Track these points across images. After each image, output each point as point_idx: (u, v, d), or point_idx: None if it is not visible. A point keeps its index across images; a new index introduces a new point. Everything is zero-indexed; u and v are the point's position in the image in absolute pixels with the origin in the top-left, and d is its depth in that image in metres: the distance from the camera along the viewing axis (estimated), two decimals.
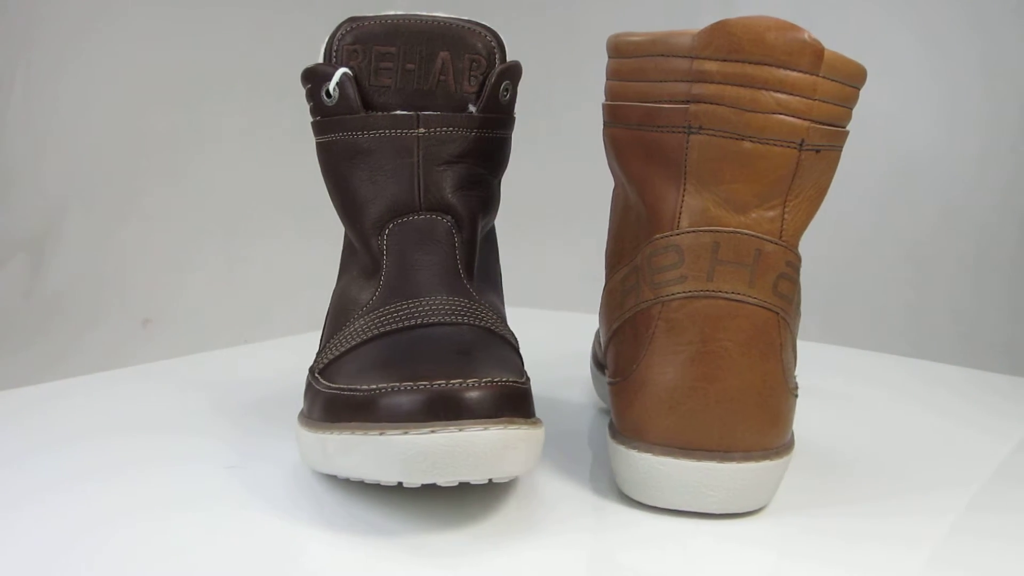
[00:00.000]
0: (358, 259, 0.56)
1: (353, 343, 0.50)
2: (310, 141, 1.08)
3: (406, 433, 0.42)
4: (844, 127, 0.51)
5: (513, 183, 0.64)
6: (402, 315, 0.50)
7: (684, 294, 0.48)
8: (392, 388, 0.43)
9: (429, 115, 0.53)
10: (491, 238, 0.60)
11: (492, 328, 0.51)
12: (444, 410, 0.42)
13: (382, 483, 0.44)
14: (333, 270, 0.59)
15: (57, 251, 1.12)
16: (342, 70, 0.54)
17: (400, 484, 0.44)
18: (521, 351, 0.53)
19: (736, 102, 0.47)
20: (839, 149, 0.51)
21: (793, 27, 0.47)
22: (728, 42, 0.47)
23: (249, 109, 1.11)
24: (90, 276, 1.12)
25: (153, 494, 0.48)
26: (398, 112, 0.53)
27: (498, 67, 0.54)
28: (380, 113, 0.53)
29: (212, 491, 0.49)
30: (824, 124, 0.48)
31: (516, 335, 0.54)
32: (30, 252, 1.12)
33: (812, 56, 0.47)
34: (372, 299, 0.52)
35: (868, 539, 0.47)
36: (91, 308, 1.12)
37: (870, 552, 0.46)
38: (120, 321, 1.09)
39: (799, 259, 0.50)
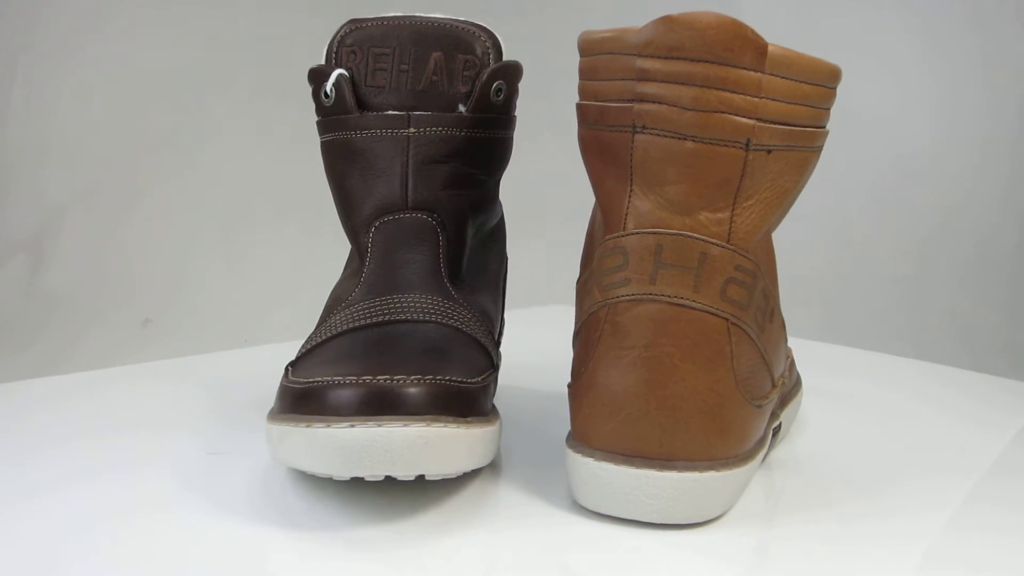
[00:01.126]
0: (352, 256, 0.57)
1: (324, 337, 0.51)
2: (310, 141, 1.08)
3: (328, 426, 0.43)
4: (809, 127, 0.48)
5: (516, 183, 0.64)
6: (373, 311, 0.51)
7: (628, 297, 0.46)
8: (333, 382, 0.44)
9: (420, 115, 0.54)
10: (495, 237, 0.60)
11: (460, 327, 0.51)
12: (369, 405, 0.43)
13: (316, 475, 0.45)
14: (333, 270, 0.59)
15: (57, 251, 1.12)
16: (338, 71, 0.55)
17: (332, 477, 0.44)
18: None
19: (678, 101, 0.45)
20: (804, 150, 0.48)
21: (734, 23, 0.45)
22: (670, 39, 0.45)
23: (249, 109, 1.11)
24: (90, 276, 1.12)
25: (129, 494, 0.49)
26: (389, 112, 0.54)
27: (490, 67, 0.54)
28: (373, 113, 0.54)
29: (190, 490, 0.49)
30: (776, 123, 0.46)
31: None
32: (30, 252, 1.12)
33: (754, 53, 0.45)
34: (352, 295, 0.53)
35: (864, 537, 0.47)
36: (91, 308, 1.12)
37: (867, 551, 0.46)
38: (120, 321, 1.09)
39: (755, 264, 0.47)
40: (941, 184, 1.12)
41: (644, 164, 0.46)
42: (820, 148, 0.51)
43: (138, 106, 1.11)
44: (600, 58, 0.49)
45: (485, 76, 0.54)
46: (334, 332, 0.51)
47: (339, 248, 0.64)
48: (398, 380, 0.44)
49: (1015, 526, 0.49)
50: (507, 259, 0.63)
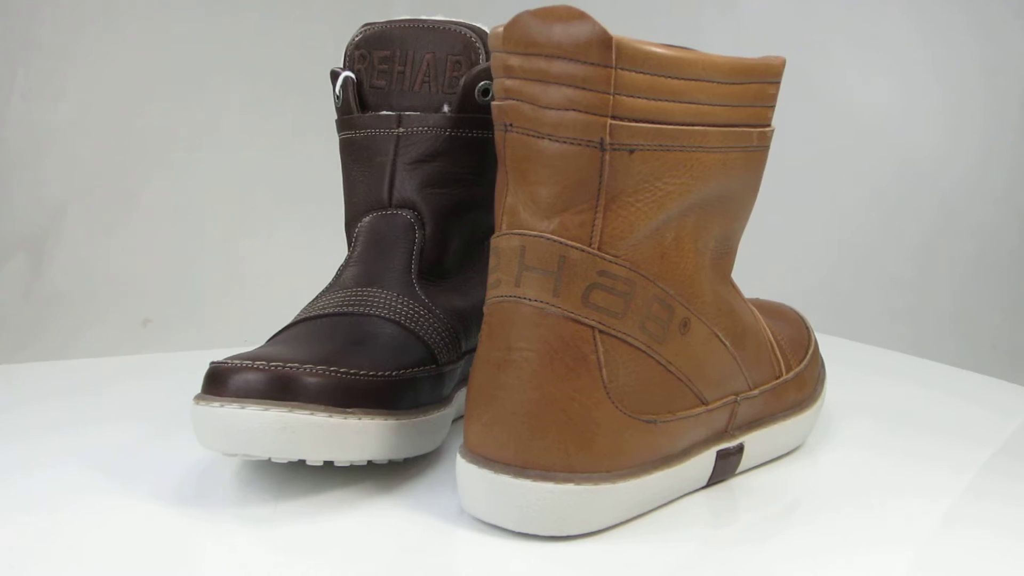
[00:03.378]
0: None
1: (284, 327, 0.54)
2: (311, 141, 1.09)
3: (208, 404, 0.46)
4: (695, 125, 0.45)
5: None
6: (327, 303, 0.54)
7: (498, 299, 0.45)
8: (236, 365, 0.46)
9: (409, 115, 0.56)
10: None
11: (403, 323, 0.53)
12: (245, 389, 0.45)
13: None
14: (333, 270, 0.59)
15: (57, 251, 1.12)
16: (344, 74, 0.58)
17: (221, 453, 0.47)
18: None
19: (533, 98, 0.44)
20: (691, 150, 0.46)
21: (580, 16, 0.43)
22: (524, 35, 0.44)
23: (250, 109, 1.11)
24: (90, 276, 1.12)
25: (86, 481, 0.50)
26: (383, 112, 0.57)
27: (476, 68, 0.55)
28: (369, 113, 0.57)
29: (128, 475, 0.52)
30: (637, 121, 0.43)
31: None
32: (30, 252, 1.12)
33: (600, 48, 0.42)
34: (327, 286, 0.56)
35: (860, 534, 0.47)
36: (91, 308, 1.12)
37: (864, 548, 0.45)
38: (120, 321, 1.09)
39: (628, 269, 0.45)
40: (942, 185, 1.12)
41: (513, 163, 0.45)
42: (742, 148, 0.48)
43: (138, 106, 1.11)
44: (492, 55, 0.48)
45: (471, 76, 0.55)
46: (292, 322, 0.54)
47: (339, 247, 0.64)
48: (292, 368, 0.46)
49: (1010, 525, 0.49)
50: None
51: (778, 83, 0.49)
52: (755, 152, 0.49)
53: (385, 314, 0.53)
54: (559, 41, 0.43)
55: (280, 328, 0.55)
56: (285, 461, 0.47)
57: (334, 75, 0.58)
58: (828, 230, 1.13)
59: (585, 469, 0.44)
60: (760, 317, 0.56)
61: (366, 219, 0.57)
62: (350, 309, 0.53)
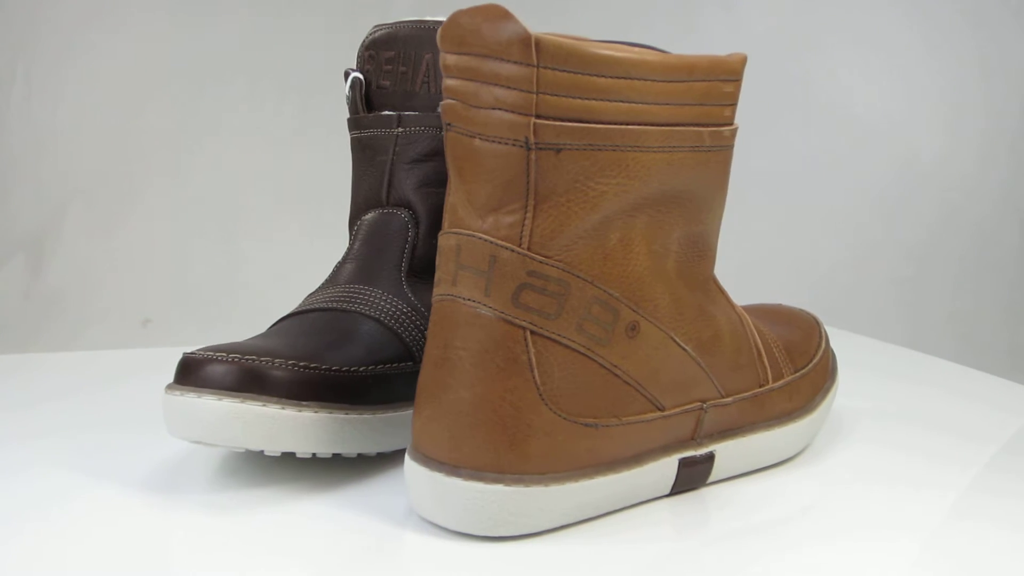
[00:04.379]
0: None
1: (276, 320, 0.56)
2: (311, 140, 1.08)
3: (172, 393, 0.48)
4: (631, 124, 0.44)
5: None
6: (318, 299, 0.56)
7: (439, 297, 0.45)
8: (204, 356, 0.48)
9: (408, 115, 0.57)
10: None
11: (383, 320, 0.54)
12: (207, 379, 0.48)
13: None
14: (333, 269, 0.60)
15: (57, 251, 1.12)
16: (353, 74, 0.59)
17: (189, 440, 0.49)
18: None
19: (466, 97, 0.44)
20: (625, 149, 0.45)
21: (503, 15, 0.42)
22: (456, 34, 0.43)
23: (249, 109, 1.12)
24: (90, 275, 1.12)
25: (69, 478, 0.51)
26: (384, 112, 0.58)
27: None
28: (372, 113, 0.58)
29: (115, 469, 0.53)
30: (563, 120, 0.43)
31: None
32: (30, 252, 1.12)
33: (521, 46, 0.42)
34: (323, 283, 0.58)
35: (856, 531, 0.47)
36: (91, 308, 1.12)
37: (862, 547, 0.46)
38: (120, 321, 1.09)
39: (561, 270, 0.44)
40: (942, 185, 1.12)
41: (452, 162, 0.45)
42: (690, 148, 0.47)
43: (138, 105, 1.11)
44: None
45: None
46: (288, 313, 0.56)
47: (338, 246, 0.64)
48: (263, 361, 0.48)
49: (1009, 524, 0.49)
50: None
51: (736, 81, 0.48)
52: (711, 152, 0.48)
53: (367, 311, 0.54)
54: (485, 40, 0.43)
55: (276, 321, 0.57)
56: (242, 450, 0.48)
57: (346, 75, 0.60)
58: (828, 229, 1.13)
59: (516, 470, 0.44)
60: (749, 322, 0.54)
61: (366, 216, 0.58)
62: (335, 305, 0.55)
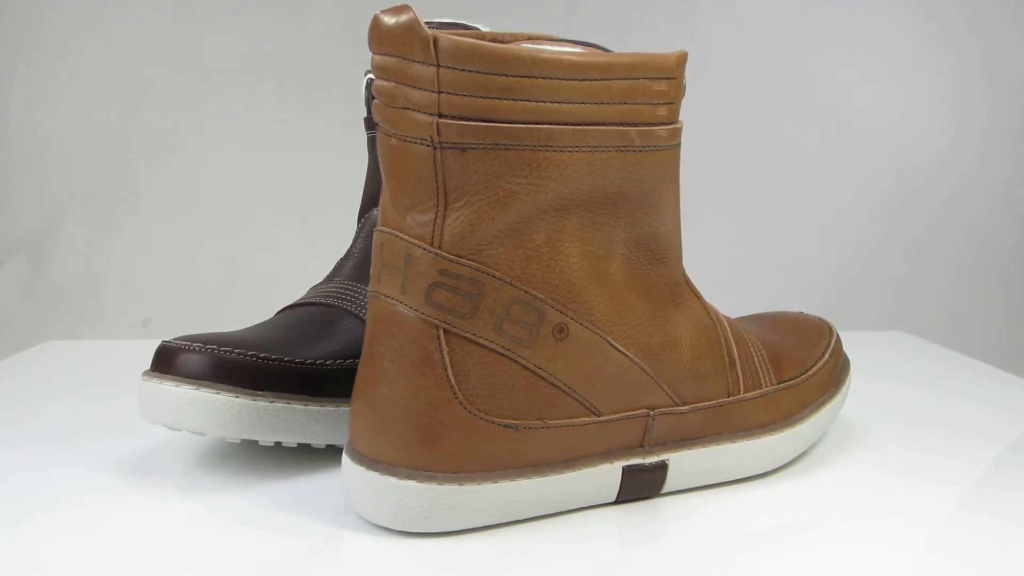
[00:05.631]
0: None
1: (282, 308, 0.59)
2: (311, 140, 1.08)
3: (142, 379, 0.51)
4: (536, 123, 0.44)
5: None
6: (314, 293, 0.59)
7: (369, 293, 0.46)
8: (176, 346, 0.52)
9: None
10: None
11: (362, 316, 0.56)
12: (177, 367, 0.51)
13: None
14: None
15: (57, 251, 1.12)
16: (368, 75, 0.59)
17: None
18: None
19: (384, 97, 0.45)
20: (533, 149, 0.44)
21: (405, 13, 0.43)
22: (374, 34, 0.44)
23: (250, 109, 1.12)
24: (90, 276, 1.12)
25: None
26: None
27: None
28: None
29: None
30: (465, 119, 0.43)
31: None
32: (30, 252, 1.12)
33: (421, 45, 0.42)
34: (325, 277, 0.60)
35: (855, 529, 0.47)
36: (91, 308, 1.12)
37: (863, 546, 0.45)
38: (120, 321, 1.09)
39: (474, 269, 0.44)
40: (941, 185, 1.12)
41: (380, 161, 0.46)
42: (615, 148, 0.46)
43: (138, 106, 1.11)
44: None
45: None
46: (286, 305, 0.59)
47: (340, 246, 0.64)
48: (236, 353, 0.51)
49: (1017, 518, 0.49)
50: None
51: (671, 79, 0.47)
52: (643, 153, 0.47)
53: (351, 308, 0.56)
54: (393, 40, 0.43)
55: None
56: (203, 436, 0.52)
57: (365, 75, 0.61)
58: (826, 229, 1.13)
59: (429, 468, 0.44)
60: (726, 330, 0.53)
61: (370, 213, 0.60)
62: (324, 300, 0.58)
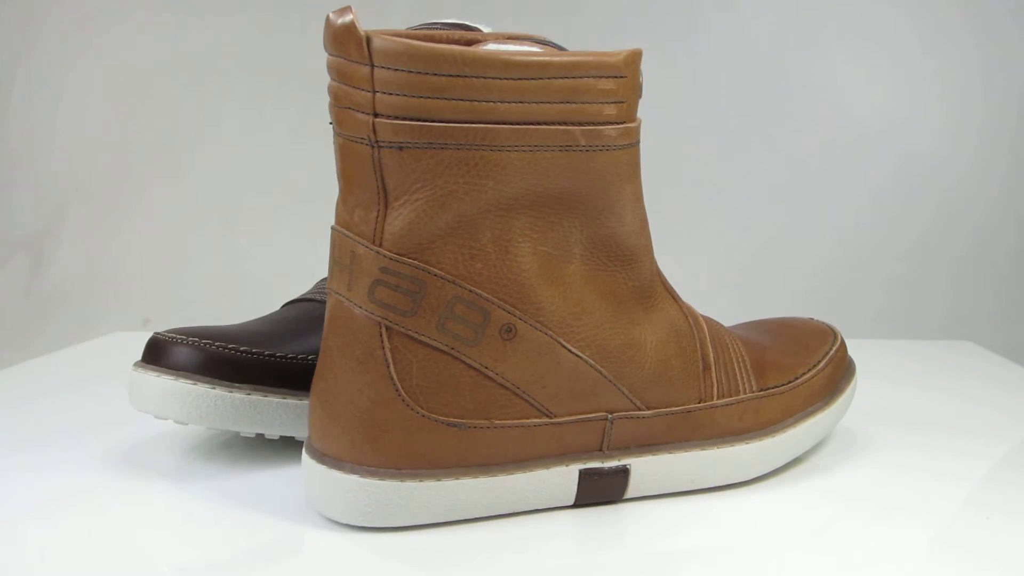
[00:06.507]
0: None
1: (287, 301, 0.62)
2: (311, 140, 1.08)
3: (133, 369, 0.54)
4: (473, 122, 0.44)
5: None
6: (314, 289, 0.61)
7: (327, 290, 0.47)
8: (165, 338, 0.54)
9: None
10: None
11: None
12: (161, 359, 0.53)
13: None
14: None
15: (57, 251, 1.12)
16: None
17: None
18: None
19: (332, 96, 0.46)
20: (470, 148, 0.44)
21: (344, 13, 0.44)
22: (325, 34, 0.45)
23: (250, 109, 1.11)
24: (90, 275, 1.12)
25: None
26: None
27: None
28: None
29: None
30: (400, 119, 0.43)
31: None
32: (30, 252, 1.12)
33: (356, 44, 0.43)
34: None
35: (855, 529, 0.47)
36: (91, 308, 1.12)
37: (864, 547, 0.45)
38: (120, 321, 1.09)
39: (415, 268, 0.45)
40: (941, 185, 1.12)
41: (336, 159, 0.47)
42: (559, 148, 0.45)
43: (138, 106, 1.11)
44: None
45: None
46: (290, 299, 0.61)
47: None
48: (229, 349, 0.54)
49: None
50: None
51: (619, 77, 0.46)
52: (591, 152, 0.46)
53: None
54: (335, 40, 0.44)
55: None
56: (186, 426, 0.54)
57: None
58: (825, 229, 1.13)
59: (371, 463, 0.45)
60: (704, 334, 0.51)
61: None
62: (319, 297, 0.60)
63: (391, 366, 0.45)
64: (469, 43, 0.48)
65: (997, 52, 1.10)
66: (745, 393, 0.52)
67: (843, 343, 0.59)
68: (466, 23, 0.58)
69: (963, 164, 1.12)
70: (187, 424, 0.53)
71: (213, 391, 0.53)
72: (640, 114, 0.48)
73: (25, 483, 0.52)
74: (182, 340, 0.54)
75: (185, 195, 1.12)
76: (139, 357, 0.55)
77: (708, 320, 0.54)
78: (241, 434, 0.54)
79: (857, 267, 1.12)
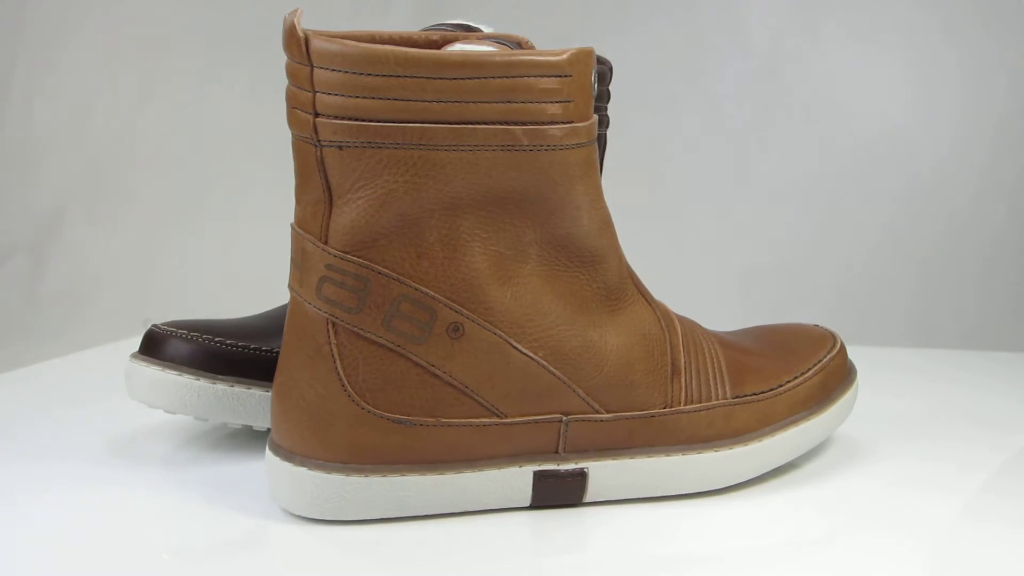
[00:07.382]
0: None
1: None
2: None
3: (129, 360, 0.56)
4: (409, 122, 0.44)
5: None
6: None
7: (288, 287, 0.48)
8: (160, 332, 0.56)
9: None
10: None
11: None
12: (153, 351, 0.55)
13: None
14: None
15: (57, 251, 1.12)
16: None
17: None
18: None
19: (286, 95, 0.47)
20: (409, 147, 0.44)
21: (291, 16, 0.45)
22: (282, 35, 0.46)
23: (251, 107, 1.11)
24: (90, 276, 1.12)
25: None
26: None
27: None
28: None
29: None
30: (338, 118, 0.44)
31: None
32: (30, 252, 1.12)
33: (296, 45, 0.44)
34: None
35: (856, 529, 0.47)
36: (91, 308, 1.12)
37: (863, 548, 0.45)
38: (120, 321, 1.09)
39: (359, 265, 0.45)
40: (946, 190, 1.12)
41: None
42: (500, 147, 0.45)
43: (138, 105, 1.11)
44: None
45: None
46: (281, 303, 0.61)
47: None
48: (228, 344, 0.55)
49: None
50: None
51: (564, 77, 0.45)
52: (536, 152, 0.46)
53: None
54: (284, 41, 0.45)
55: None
56: (173, 414, 0.55)
57: None
58: (832, 235, 1.13)
59: (318, 456, 0.46)
60: (677, 338, 0.50)
61: None
62: None
63: (338, 361, 0.45)
64: (442, 44, 0.48)
65: (997, 53, 1.10)
66: (717, 399, 0.51)
67: (843, 349, 0.57)
68: (469, 24, 0.58)
69: (968, 169, 1.12)
70: (175, 413, 0.55)
71: (197, 382, 0.55)
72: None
73: (24, 472, 0.54)
74: (175, 333, 0.56)
75: (185, 196, 1.12)
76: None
77: (686, 323, 0.52)
78: (229, 425, 0.56)
79: (861, 272, 1.12)
